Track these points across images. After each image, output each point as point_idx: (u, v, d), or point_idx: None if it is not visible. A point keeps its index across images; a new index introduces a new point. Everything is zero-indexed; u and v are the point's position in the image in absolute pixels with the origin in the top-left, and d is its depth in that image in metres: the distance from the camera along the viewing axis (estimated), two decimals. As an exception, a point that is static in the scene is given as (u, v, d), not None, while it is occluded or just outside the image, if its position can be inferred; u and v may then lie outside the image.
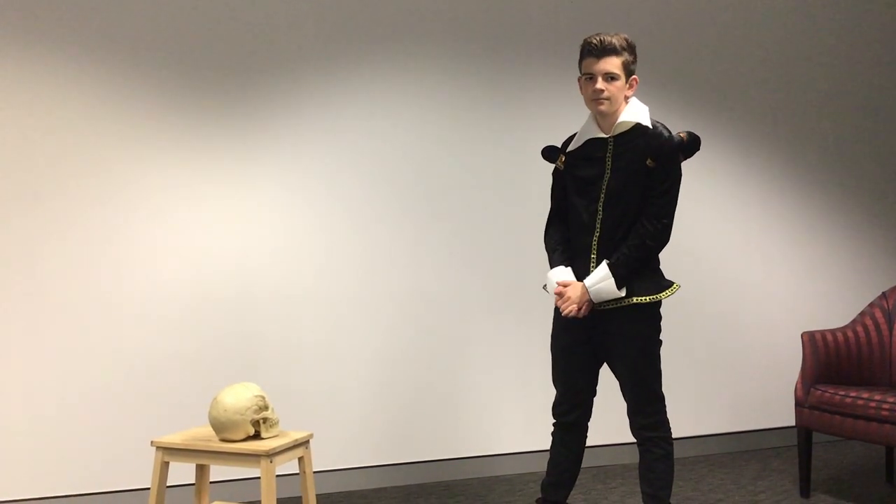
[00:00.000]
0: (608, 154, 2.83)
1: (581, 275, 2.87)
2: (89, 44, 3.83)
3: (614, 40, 2.74)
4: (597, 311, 2.83)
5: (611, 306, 2.81)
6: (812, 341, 3.82)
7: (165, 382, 3.86)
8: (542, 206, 4.36)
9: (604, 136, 2.85)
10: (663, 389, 2.90)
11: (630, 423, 2.89)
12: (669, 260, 4.46)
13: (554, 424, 3.02)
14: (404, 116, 4.29)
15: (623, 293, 2.77)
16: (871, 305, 4.04)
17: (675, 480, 4.15)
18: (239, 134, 4.04)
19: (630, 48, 2.79)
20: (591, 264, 2.84)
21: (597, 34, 2.77)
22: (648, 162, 2.77)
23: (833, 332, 3.90)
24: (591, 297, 2.79)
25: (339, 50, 4.20)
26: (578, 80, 2.87)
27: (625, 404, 2.90)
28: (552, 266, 2.95)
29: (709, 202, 4.83)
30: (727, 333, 4.83)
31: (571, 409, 2.96)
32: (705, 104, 4.85)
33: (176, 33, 3.95)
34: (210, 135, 3.99)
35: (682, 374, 4.69)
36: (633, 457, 4.53)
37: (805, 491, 3.83)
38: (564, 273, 2.89)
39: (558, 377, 2.98)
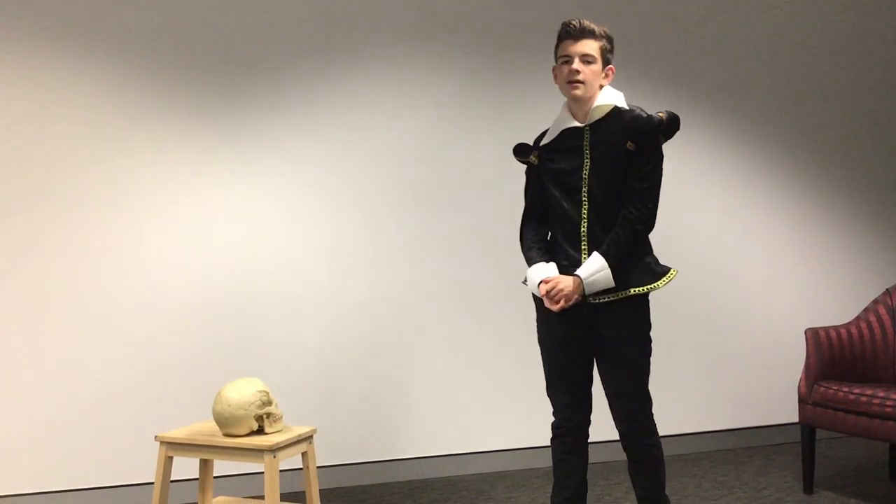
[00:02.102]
0: (585, 143, 2.74)
1: (571, 267, 2.73)
2: (91, 41, 3.83)
3: (593, 25, 2.71)
4: (590, 306, 2.71)
5: (606, 299, 2.69)
6: (816, 338, 3.82)
7: (170, 378, 3.87)
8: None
9: (579, 124, 2.75)
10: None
11: (622, 430, 2.74)
12: (672, 258, 4.46)
13: (556, 433, 2.82)
14: (407, 116, 4.28)
15: (614, 284, 2.67)
16: (875, 302, 4.03)
17: (678, 477, 4.15)
18: (242, 133, 4.04)
19: (608, 38, 2.75)
20: (583, 255, 2.72)
21: (575, 18, 2.74)
22: (629, 145, 2.68)
23: (837, 328, 3.89)
24: (586, 288, 2.66)
25: (343, 47, 4.20)
26: (553, 68, 2.78)
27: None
28: (531, 264, 2.82)
29: (713, 199, 4.82)
30: (730, 330, 4.83)
31: (576, 412, 2.79)
32: (707, 104, 4.84)
33: (180, 30, 3.95)
34: (213, 133, 4.00)
35: (686, 371, 4.69)
36: (636, 453, 4.53)
37: (808, 487, 3.83)
38: (548, 269, 2.76)
39: (555, 377, 2.80)
